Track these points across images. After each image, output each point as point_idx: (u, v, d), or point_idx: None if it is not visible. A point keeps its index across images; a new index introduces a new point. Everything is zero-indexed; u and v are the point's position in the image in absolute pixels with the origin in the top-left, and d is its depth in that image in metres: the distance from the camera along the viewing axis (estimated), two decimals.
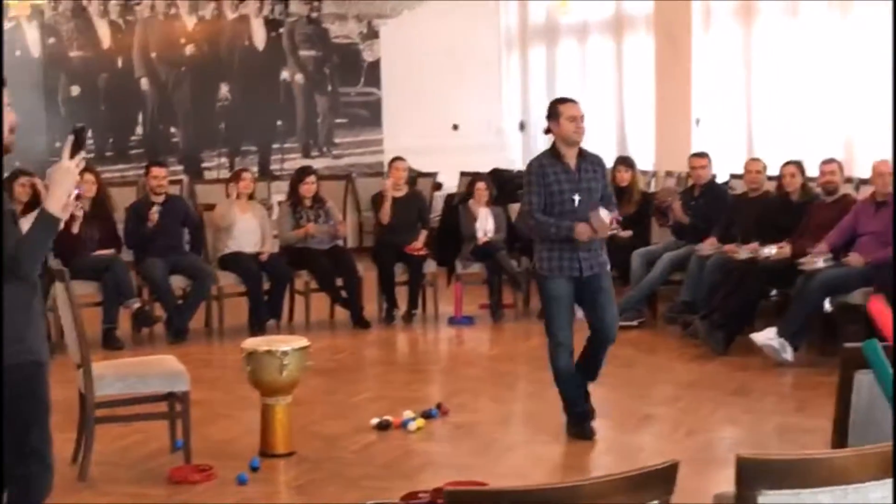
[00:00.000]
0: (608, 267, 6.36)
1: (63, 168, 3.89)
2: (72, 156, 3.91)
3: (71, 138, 3.94)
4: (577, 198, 6.15)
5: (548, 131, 6.29)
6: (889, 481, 2.69)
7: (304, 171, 10.05)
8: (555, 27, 14.31)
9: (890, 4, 9.76)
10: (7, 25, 12.56)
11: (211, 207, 9.88)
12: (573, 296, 6.26)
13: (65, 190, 3.86)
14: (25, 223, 3.91)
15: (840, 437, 3.75)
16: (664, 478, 2.48)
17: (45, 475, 4.05)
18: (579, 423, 6.39)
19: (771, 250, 8.44)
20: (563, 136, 6.19)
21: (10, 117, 3.90)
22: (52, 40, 13.08)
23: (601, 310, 6.31)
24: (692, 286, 8.91)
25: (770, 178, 9.43)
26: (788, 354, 7.87)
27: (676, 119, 12.43)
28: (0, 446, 3.90)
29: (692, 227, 9.37)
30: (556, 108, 6.22)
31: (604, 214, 6.17)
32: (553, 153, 6.24)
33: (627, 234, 9.77)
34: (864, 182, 9.54)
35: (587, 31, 13.96)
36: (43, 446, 4.03)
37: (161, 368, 6.02)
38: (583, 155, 6.25)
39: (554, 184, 6.16)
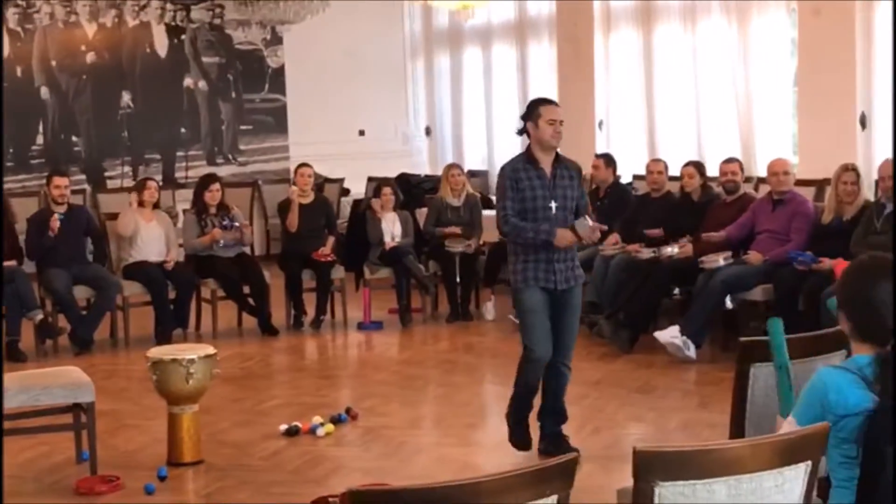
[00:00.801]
0: (582, 281, 6.09)
1: None
2: None
3: None
4: (553, 205, 5.84)
5: (522, 132, 5.95)
6: (783, 469, 2.78)
7: (208, 179, 10.00)
8: (459, 32, 14.40)
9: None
10: None
11: (114, 217, 9.76)
12: (549, 307, 5.91)
13: None
14: None
15: (737, 430, 3.86)
16: (564, 472, 2.54)
17: None
18: (552, 440, 6.12)
19: (673, 249, 8.61)
20: (540, 139, 5.84)
21: None
22: None
23: (562, 330, 5.97)
24: (597, 286, 9.03)
25: (672, 179, 9.61)
26: (691, 352, 8.02)
27: (580, 122, 12.57)
28: None
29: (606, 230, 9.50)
30: (536, 109, 5.88)
31: (587, 221, 5.89)
32: (528, 157, 5.90)
33: None
34: (762, 181, 9.75)
35: (491, 35, 14.07)
36: None
37: (65, 379, 5.95)
38: (559, 160, 5.92)
39: (527, 189, 5.83)
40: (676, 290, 8.88)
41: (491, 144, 14.23)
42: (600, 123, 12.46)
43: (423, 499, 2.42)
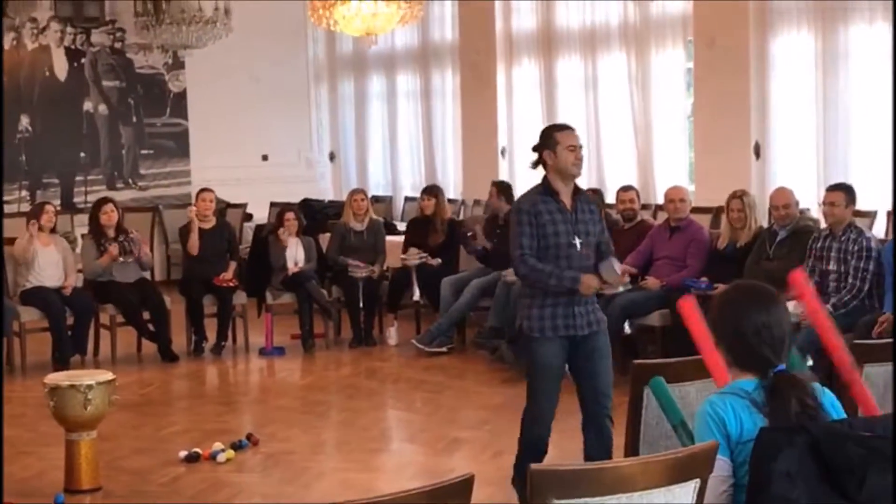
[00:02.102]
0: (605, 325, 5.52)
1: None
2: None
3: None
4: (577, 241, 5.34)
5: (538, 164, 5.44)
6: (672, 487, 2.86)
7: (101, 202, 9.92)
8: (363, 58, 14.46)
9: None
10: None
11: (11, 241, 9.61)
12: (566, 360, 5.46)
13: None
14: None
15: (632, 450, 3.94)
16: (461, 491, 2.58)
17: None
18: None
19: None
20: (560, 167, 5.34)
21: None
22: None
23: (594, 376, 5.45)
24: (499, 311, 9.11)
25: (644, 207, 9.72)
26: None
27: (483, 149, 12.71)
28: None
29: (498, 253, 9.59)
30: (552, 136, 5.40)
31: (615, 265, 5.45)
32: (546, 189, 5.38)
33: (437, 262, 9.97)
34: (660, 208, 9.95)
35: (394, 62, 14.16)
36: None
37: None
38: (578, 192, 5.45)
39: (548, 224, 5.30)
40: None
41: (394, 170, 14.31)
42: (503, 150, 12.60)
43: None
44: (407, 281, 10.09)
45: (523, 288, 5.49)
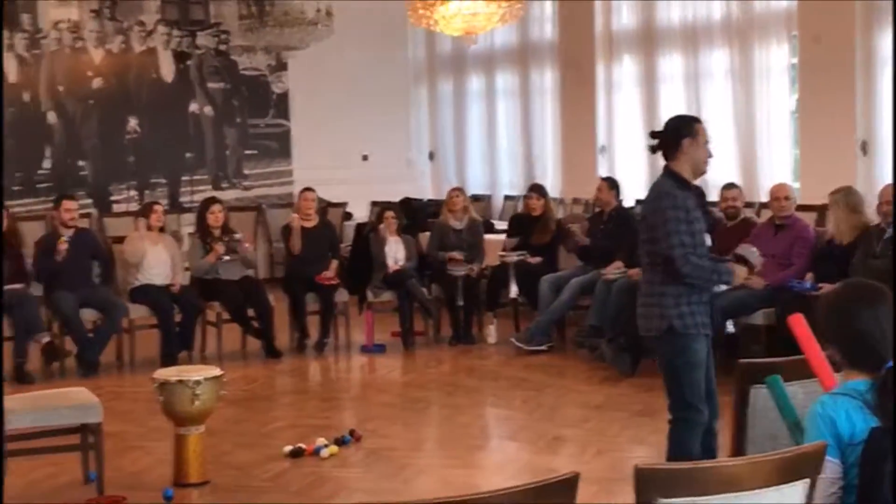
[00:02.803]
0: None
1: None
2: None
3: None
4: (707, 238, 5.19)
5: (664, 150, 5.21)
6: (781, 487, 2.84)
7: (209, 202, 10.11)
8: (462, 57, 14.51)
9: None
10: None
11: (120, 240, 9.85)
12: None
13: None
14: None
15: (738, 449, 3.90)
16: (565, 488, 2.59)
17: None
18: None
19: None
20: (696, 160, 5.17)
21: None
22: None
23: (712, 377, 5.34)
24: (599, 310, 9.08)
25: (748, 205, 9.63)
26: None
27: (582, 147, 12.68)
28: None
29: (599, 251, 9.55)
30: (693, 126, 5.20)
31: (755, 250, 5.34)
32: (681, 183, 5.16)
33: (537, 260, 9.96)
34: (764, 206, 9.82)
35: (493, 61, 14.19)
36: None
37: (74, 400, 6.01)
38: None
39: (696, 222, 5.10)
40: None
41: (493, 169, 14.33)
42: (602, 148, 12.55)
43: None
44: (505, 279, 10.10)
45: (664, 286, 5.13)
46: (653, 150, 5.29)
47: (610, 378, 8.47)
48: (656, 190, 5.23)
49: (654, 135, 5.30)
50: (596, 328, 9.07)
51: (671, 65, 11.69)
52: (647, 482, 2.68)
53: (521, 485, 2.54)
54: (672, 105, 11.59)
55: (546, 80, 13.37)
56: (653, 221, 5.17)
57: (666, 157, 5.24)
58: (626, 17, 12.25)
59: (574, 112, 12.73)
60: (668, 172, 5.20)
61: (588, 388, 8.28)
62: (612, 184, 10.04)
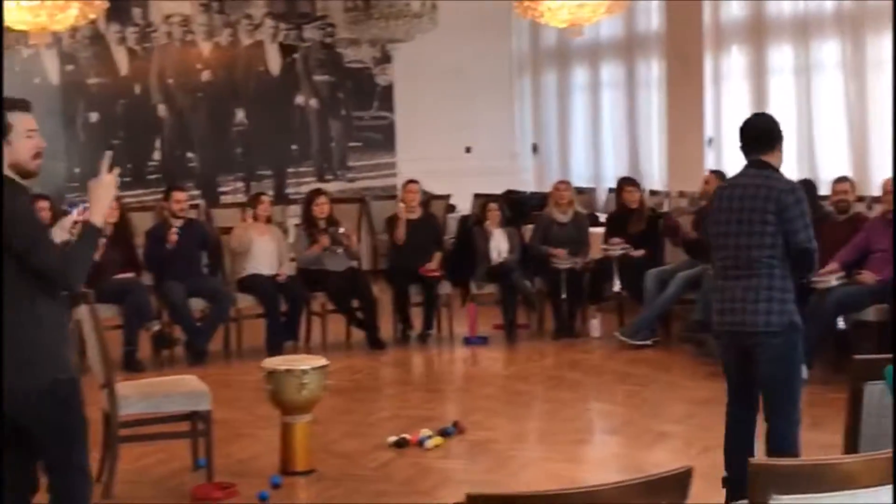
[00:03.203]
0: None
1: (103, 182, 4.10)
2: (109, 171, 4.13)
3: (109, 153, 4.20)
4: None
5: (771, 149, 5.21)
6: None
7: (314, 193, 10.21)
8: (566, 49, 14.44)
9: None
10: (26, 53, 12.73)
11: (228, 231, 10.01)
12: None
13: (106, 202, 4.08)
14: None
15: (851, 446, 3.84)
16: (678, 483, 2.57)
17: (86, 488, 4.19)
18: None
19: (830, 281, 8.40)
20: (781, 160, 5.32)
21: (37, 142, 4.06)
22: (70, 67, 13.25)
23: None
24: (705, 305, 8.96)
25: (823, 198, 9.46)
26: (803, 373, 7.90)
27: (689, 139, 12.53)
28: (25, 457, 4.04)
29: (705, 245, 9.41)
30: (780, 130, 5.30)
31: None
32: None
33: (639, 253, 9.88)
34: (876, 200, 9.61)
35: (598, 52, 14.09)
36: (84, 460, 4.16)
37: (184, 388, 6.12)
38: None
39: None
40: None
41: (597, 161, 14.23)
42: (710, 140, 12.39)
43: None
44: (608, 272, 10.03)
45: (785, 281, 5.10)
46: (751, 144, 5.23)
47: (716, 373, 8.26)
48: (787, 183, 5.15)
49: (752, 133, 5.23)
50: (702, 323, 8.95)
51: (781, 56, 11.48)
52: (761, 479, 2.65)
53: (634, 479, 2.52)
54: (782, 97, 11.40)
55: (652, 71, 13.23)
56: (792, 214, 5.05)
57: (760, 152, 5.18)
58: (735, 8, 12.06)
59: (681, 104, 12.58)
60: (770, 166, 5.16)
61: (693, 383, 8.19)
62: (720, 177, 9.89)
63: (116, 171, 4.20)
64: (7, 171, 4.01)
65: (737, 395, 5.36)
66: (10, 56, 12.31)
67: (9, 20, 9.52)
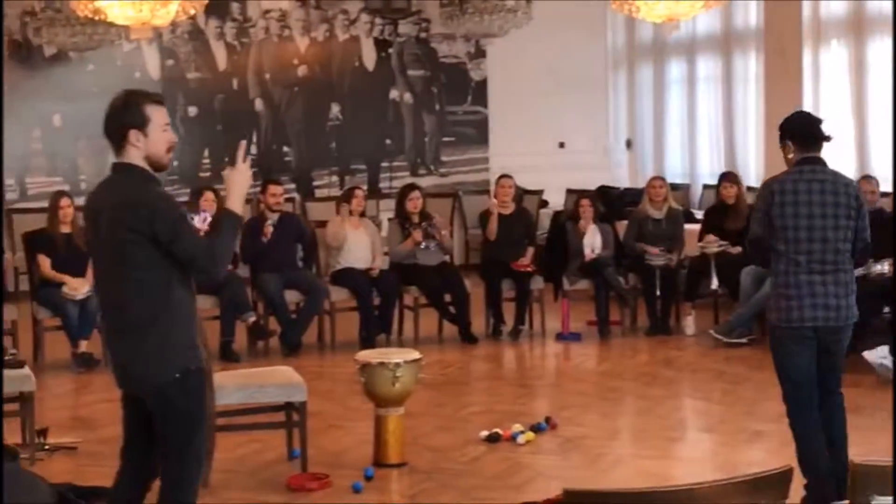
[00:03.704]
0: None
1: (239, 170, 4.18)
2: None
3: (244, 143, 4.32)
4: None
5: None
6: None
7: (408, 188, 10.27)
8: (662, 44, 14.31)
9: None
10: (127, 48, 12.98)
11: (323, 224, 10.11)
12: None
13: (243, 190, 4.17)
14: None
15: None
16: (779, 482, 2.54)
17: (198, 478, 4.24)
18: None
19: (883, 267, 8.36)
20: None
21: (171, 136, 4.15)
22: (170, 62, 13.48)
23: None
24: None
25: (885, 195, 9.31)
26: None
27: None
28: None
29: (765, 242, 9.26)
30: None
31: None
32: None
33: (737, 250, 9.75)
34: None
35: (695, 47, 13.94)
36: (202, 450, 4.22)
37: (280, 379, 6.20)
38: None
39: None
40: (886, 310, 8.61)
41: (693, 157, 14.08)
42: None
43: (638, 502, 2.46)
44: (705, 270, 9.93)
45: (851, 275, 5.30)
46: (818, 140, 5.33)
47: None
48: (850, 182, 5.33)
49: (818, 131, 5.35)
50: None
51: (884, 50, 11.24)
52: (862, 479, 2.61)
53: (734, 477, 2.50)
54: (882, 92, 11.17)
55: (750, 66, 13.05)
56: (864, 211, 5.27)
57: (820, 149, 5.31)
58: (834, 3, 11.85)
59: (778, 100, 12.37)
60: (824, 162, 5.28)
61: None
62: None
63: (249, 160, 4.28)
64: (142, 163, 4.09)
65: (811, 399, 5.37)
66: (111, 50, 12.58)
67: (111, 15, 9.71)
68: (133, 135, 4.07)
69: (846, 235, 5.18)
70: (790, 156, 5.31)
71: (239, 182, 4.19)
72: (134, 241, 3.98)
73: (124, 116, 4.08)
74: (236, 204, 4.17)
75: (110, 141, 4.13)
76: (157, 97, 4.18)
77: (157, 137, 4.10)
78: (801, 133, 5.31)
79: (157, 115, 4.12)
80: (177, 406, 4.06)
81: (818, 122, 5.39)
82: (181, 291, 4.07)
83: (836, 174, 5.28)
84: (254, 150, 13.72)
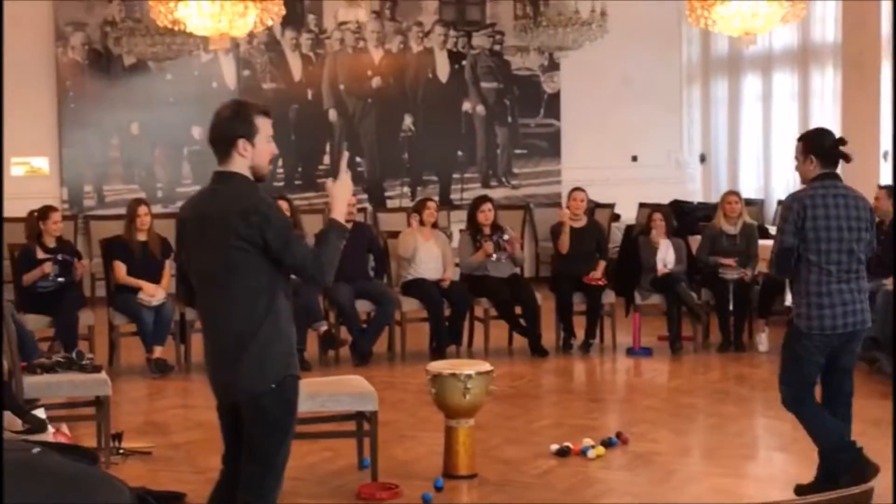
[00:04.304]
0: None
1: (342, 181, 4.26)
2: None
3: (346, 154, 4.44)
4: None
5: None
6: None
7: (480, 200, 10.27)
8: (738, 58, 14.19)
9: None
10: (205, 58, 13.15)
11: (394, 235, 10.15)
12: None
13: (346, 200, 4.28)
14: None
15: None
16: (860, 502, 2.51)
17: (279, 486, 4.24)
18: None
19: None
20: None
21: (274, 148, 4.21)
22: (247, 73, 13.63)
23: None
24: (879, 322, 8.68)
25: None
26: None
27: (864, 152, 12.15)
28: None
29: (880, 261, 9.15)
30: None
31: None
32: None
33: None
34: None
35: (771, 62, 13.81)
36: (286, 460, 4.21)
37: (351, 388, 6.24)
38: None
39: None
40: None
41: (768, 173, 13.95)
42: (885, 154, 12.01)
43: None
44: (779, 286, 9.81)
45: (866, 282, 5.75)
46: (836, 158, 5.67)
47: (889, 393, 8.09)
48: (864, 197, 5.74)
49: (839, 150, 5.68)
50: (875, 340, 8.69)
51: None
52: None
53: (816, 496, 2.47)
54: None
55: (827, 82, 12.90)
56: (873, 224, 5.78)
57: (835, 166, 5.69)
58: None
59: (856, 116, 12.22)
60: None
61: (865, 401, 7.88)
62: (890, 192, 9.59)
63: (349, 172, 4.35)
64: (246, 172, 4.15)
65: (811, 392, 5.92)
66: (189, 60, 12.76)
67: (190, 26, 9.85)
68: (241, 144, 4.12)
69: (863, 247, 5.63)
70: (811, 169, 5.64)
71: (341, 193, 4.28)
72: (243, 248, 4.03)
73: (234, 125, 4.13)
74: (340, 214, 4.25)
75: (215, 149, 4.17)
76: (265, 108, 4.24)
77: (263, 148, 4.16)
78: (828, 151, 5.64)
79: (265, 126, 4.17)
80: (270, 416, 4.09)
81: (842, 141, 5.71)
82: (283, 300, 4.13)
83: (852, 189, 5.68)
84: (327, 160, 13.82)
